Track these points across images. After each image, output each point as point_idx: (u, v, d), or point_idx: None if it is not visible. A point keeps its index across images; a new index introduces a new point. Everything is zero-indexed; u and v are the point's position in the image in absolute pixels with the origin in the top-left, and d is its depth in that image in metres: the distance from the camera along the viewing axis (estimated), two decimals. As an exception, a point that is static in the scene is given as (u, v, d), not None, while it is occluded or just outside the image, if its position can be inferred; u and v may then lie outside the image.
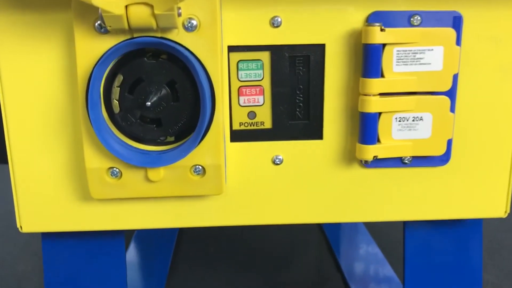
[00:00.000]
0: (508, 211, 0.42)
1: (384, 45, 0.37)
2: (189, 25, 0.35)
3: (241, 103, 0.39)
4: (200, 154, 0.37)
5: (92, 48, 0.35)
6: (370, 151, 0.38)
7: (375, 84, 0.37)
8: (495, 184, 0.41)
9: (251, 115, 0.39)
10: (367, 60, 0.37)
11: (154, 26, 0.33)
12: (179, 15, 0.34)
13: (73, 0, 0.33)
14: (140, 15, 0.32)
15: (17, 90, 0.37)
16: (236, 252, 0.72)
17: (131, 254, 0.71)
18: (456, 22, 0.37)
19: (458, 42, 0.37)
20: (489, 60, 0.39)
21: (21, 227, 0.40)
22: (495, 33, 0.38)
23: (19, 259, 0.69)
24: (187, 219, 0.40)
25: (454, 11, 0.37)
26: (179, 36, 0.35)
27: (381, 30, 0.36)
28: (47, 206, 0.40)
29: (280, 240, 0.76)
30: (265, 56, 0.38)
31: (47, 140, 0.38)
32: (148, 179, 0.37)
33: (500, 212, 0.42)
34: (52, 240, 0.43)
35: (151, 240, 0.78)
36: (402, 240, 0.45)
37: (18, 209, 0.40)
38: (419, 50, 0.37)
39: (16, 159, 0.39)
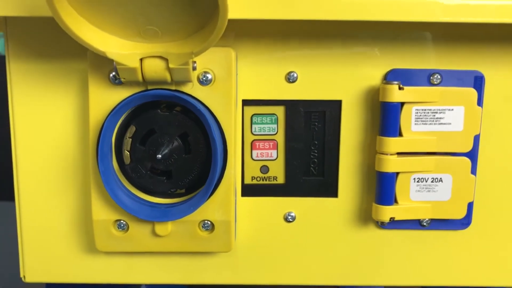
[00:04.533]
0: (535, 280, 0.40)
1: (402, 103, 0.36)
2: (204, 78, 0.35)
3: (254, 157, 0.38)
4: (210, 209, 0.36)
5: (105, 98, 0.35)
6: (387, 212, 0.37)
7: (392, 143, 0.36)
8: (519, 251, 0.39)
9: (264, 169, 0.38)
10: (385, 118, 0.36)
11: (169, 79, 0.33)
12: (194, 69, 0.33)
13: (89, 51, 0.33)
14: (155, 69, 0.32)
15: (29, 136, 0.37)
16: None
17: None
18: (477, 82, 0.36)
19: (480, 102, 0.36)
20: (512, 120, 0.37)
21: (24, 276, 0.39)
22: (519, 94, 0.37)
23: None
24: (194, 276, 0.39)
25: (476, 71, 0.36)
26: (193, 89, 0.35)
27: (400, 88, 0.35)
28: (51, 256, 0.39)
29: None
30: (279, 111, 0.37)
31: (55, 189, 0.38)
32: (155, 233, 0.36)
33: (526, 280, 0.39)
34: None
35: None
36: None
37: (22, 258, 0.39)
38: (439, 110, 0.36)
39: (23, 207, 0.38)
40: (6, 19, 0.36)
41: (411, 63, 0.37)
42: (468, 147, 0.37)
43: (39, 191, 0.38)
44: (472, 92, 0.36)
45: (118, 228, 0.36)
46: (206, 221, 0.36)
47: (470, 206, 0.38)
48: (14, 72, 0.36)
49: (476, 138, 0.37)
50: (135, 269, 0.39)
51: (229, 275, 0.39)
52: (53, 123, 0.37)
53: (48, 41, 0.36)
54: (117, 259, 0.39)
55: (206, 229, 0.36)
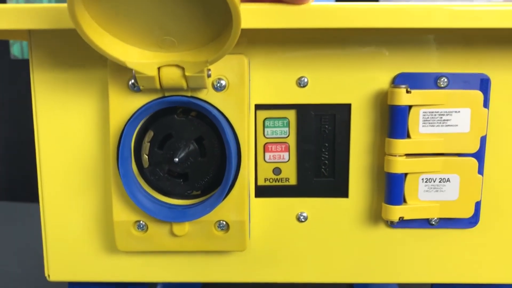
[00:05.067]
0: (543, 277, 0.41)
1: (410, 106, 0.37)
2: (218, 85, 0.36)
3: (267, 159, 0.40)
4: (225, 210, 0.37)
5: (125, 105, 0.36)
6: (396, 212, 0.38)
7: (400, 145, 0.37)
8: (527, 249, 0.40)
9: (276, 171, 0.40)
10: (393, 121, 0.37)
11: (185, 86, 0.34)
12: (209, 76, 0.35)
13: (109, 61, 0.35)
14: (172, 77, 0.34)
15: (52, 142, 0.39)
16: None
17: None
18: (483, 84, 0.37)
19: (486, 104, 0.37)
20: (519, 122, 0.38)
21: (49, 275, 0.41)
22: (525, 96, 0.38)
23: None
24: (210, 274, 0.40)
25: (482, 74, 0.37)
26: (208, 95, 0.36)
27: (407, 92, 0.36)
28: (74, 256, 0.41)
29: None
30: (291, 114, 0.39)
31: (77, 191, 0.39)
32: (173, 233, 0.38)
33: (534, 278, 0.40)
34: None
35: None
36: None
37: (47, 258, 0.41)
38: (446, 112, 0.37)
39: (47, 209, 0.40)
40: (30, 30, 0.37)
41: (419, 67, 0.38)
42: (475, 148, 0.38)
43: (62, 193, 0.40)
44: (478, 95, 0.37)
45: (138, 228, 0.38)
46: (221, 221, 0.38)
47: (477, 205, 0.39)
48: (38, 81, 0.38)
49: (483, 139, 0.38)
50: (154, 268, 0.40)
51: (244, 273, 0.40)
52: (75, 128, 0.39)
53: (70, 51, 0.38)
54: (137, 259, 0.40)
55: (222, 229, 0.38)
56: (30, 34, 0.38)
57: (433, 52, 0.38)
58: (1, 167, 1.49)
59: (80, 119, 0.39)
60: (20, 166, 1.45)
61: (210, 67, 0.35)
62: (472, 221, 0.39)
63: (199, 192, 0.39)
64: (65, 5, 0.30)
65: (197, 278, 0.40)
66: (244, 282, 0.41)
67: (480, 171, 0.38)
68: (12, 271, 0.73)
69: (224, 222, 0.38)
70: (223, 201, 0.37)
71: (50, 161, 0.39)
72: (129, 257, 0.40)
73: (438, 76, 0.38)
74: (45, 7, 0.34)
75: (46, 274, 0.41)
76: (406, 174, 0.38)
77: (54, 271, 0.41)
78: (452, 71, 0.38)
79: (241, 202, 0.37)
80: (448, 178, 0.38)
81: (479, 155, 0.38)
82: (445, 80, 0.37)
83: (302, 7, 0.33)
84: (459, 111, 0.37)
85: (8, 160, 1.49)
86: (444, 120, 0.37)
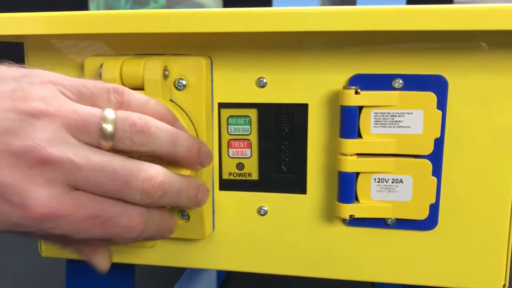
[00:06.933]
0: (507, 285, 0.39)
1: (361, 107, 0.38)
2: (179, 84, 0.39)
3: (230, 154, 0.42)
4: (185, 200, 0.40)
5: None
6: (347, 210, 0.39)
7: (351, 144, 0.38)
8: (490, 254, 0.39)
9: (240, 166, 0.42)
10: (343, 121, 0.38)
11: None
12: (166, 76, 0.38)
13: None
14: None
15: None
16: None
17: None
18: (440, 86, 0.37)
19: (441, 106, 0.37)
20: (480, 125, 0.38)
21: (42, 251, 0.46)
22: (485, 99, 0.37)
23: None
24: (177, 259, 0.44)
25: (438, 75, 0.37)
26: (171, 93, 0.39)
27: (356, 93, 0.37)
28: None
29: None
30: (252, 113, 0.41)
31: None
32: (139, 219, 0.41)
33: (497, 285, 0.39)
34: (75, 264, 0.49)
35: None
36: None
37: (40, 235, 0.46)
38: (398, 113, 0.37)
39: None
40: (25, 36, 0.43)
41: (374, 68, 0.38)
42: (428, 150, 0.37)
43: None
44: (431, 96, 0.37)
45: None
46: (183, 211, 0.41)
47: (433, 207, 0.38)
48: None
49: (438, 141, 0.37)
50: (130, 250, 0.44)
51: (208, 261, 0.43)
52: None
53: (65, 54, 0.43)
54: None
55: (184, 218, 0.41)
56: (25, 39, 0.43)
57: (389, 53, 0.38)
58: None
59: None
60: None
61: (171, 67, 0.38)
62: (429, 224, 0.39)
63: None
64: (59, 12, 0.35)
65: (165, 262, 0.44)
66: (209, 269, 0.43)
67: (436, 173, 0.38)
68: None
69: (186, 212, 0.41)
70: (185, 192, 0.40)
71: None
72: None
73: (393, 78, 0.38)
74: (41, 15, 0.39)
75: (39, 250, 0.46)
76: (358, 174, 0.38)
77: (47, 247, 0.46)
78: (408, 73, 0.38)
79: (200, 194, 0.40)
80: (401, 179, 0.38)
81: (434, 157, 0.38)
82: (400, 81, 0.38)
83: (265, 10, 0.35)
84: (411, 113, 0.37)
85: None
86: (396, 121, 0.38)
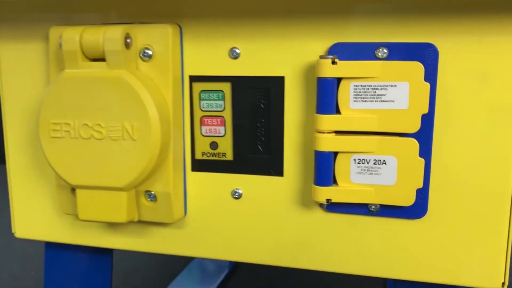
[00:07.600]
0: (507, 283, 0.35)
1: (339, 79, 0.34)
2: (144, 54, 0.36)
3: (203, 132, 0.39)
4: (152, 180, 0.37)
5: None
6: (323, 193, 0.35)
7: (327, 121, 0.34)
8: (487, 247, 0.34)
9: (213, 145, 0.39)
10: (320, 94, 0.34)
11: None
12: (128, 45, 0.35)
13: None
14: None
15: (17, 109, 0.42)
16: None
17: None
18: (429, 55, 0.33)
19: (430, 77, 0.33)
20: (475, 99, 0.33)
21: (15, 232, 0.45)
22: (482, 69, 0.33)
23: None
24: (146, 245, 0.41)
25: (428, 43, 0.33)
26: (137, 63, 0.37)
27: (333, 62, 0.33)
28: (38, 216, 0.44)
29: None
30: (226, 87, 0.38)
31: (41, 156, 0.42)
32: (106, 200, 0.39)
33: (495, 282, 0.35)
34: (54, 248, 0.47)
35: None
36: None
37: (13, 217, 0.44)
38: (380, 86, 0.33)
39: (13, 171, 0.43)
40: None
41: (357, 36, 0.34)
42: (414, 128, 0.33)
43: (26, 158, 0.43)
44: (418, 66, 0.33)
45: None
46: (150, 192, 0.38)
47: (421, 192, 0.34)
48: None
49: (425, 118, 0.33)
50: (108, 233, 0.42)
51: (179, 247, 0.40)
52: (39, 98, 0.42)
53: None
54: (79, 222, 0.42)
55: (151, 200, 0.38)
56: (-5, 9, 0.41)
57: (373, 19, 0.34)
58: None
59: (35, 81, 0.41)
60: None
61: (137, 35, 0.35)
62: (417, 211, 0.35)
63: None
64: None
65: (135, 247, 0.41)
66: (180, 255, 0.40)
67: (424, 154, 0.34)
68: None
69: (153, 193, 0.38)
70: (152, 171, 0.37)
71: (14, 125, 0.43)
72: (88, 223, 0.42)
73: (377, 46, 0.34)
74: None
75: (13, 231, 0.45)
76: (336, 154, 0.35)
77: (20, 229, 0.45)
78: (394, 41, 0.34)
79: (167, 175, 0.37)
80: (384, 160, 0.34)
81: (422, 136, 0.33)
82: (385, 50, 0.34)
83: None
84: (395, 85, 0.33)
85: None
86: (378, 95, 0.33)
